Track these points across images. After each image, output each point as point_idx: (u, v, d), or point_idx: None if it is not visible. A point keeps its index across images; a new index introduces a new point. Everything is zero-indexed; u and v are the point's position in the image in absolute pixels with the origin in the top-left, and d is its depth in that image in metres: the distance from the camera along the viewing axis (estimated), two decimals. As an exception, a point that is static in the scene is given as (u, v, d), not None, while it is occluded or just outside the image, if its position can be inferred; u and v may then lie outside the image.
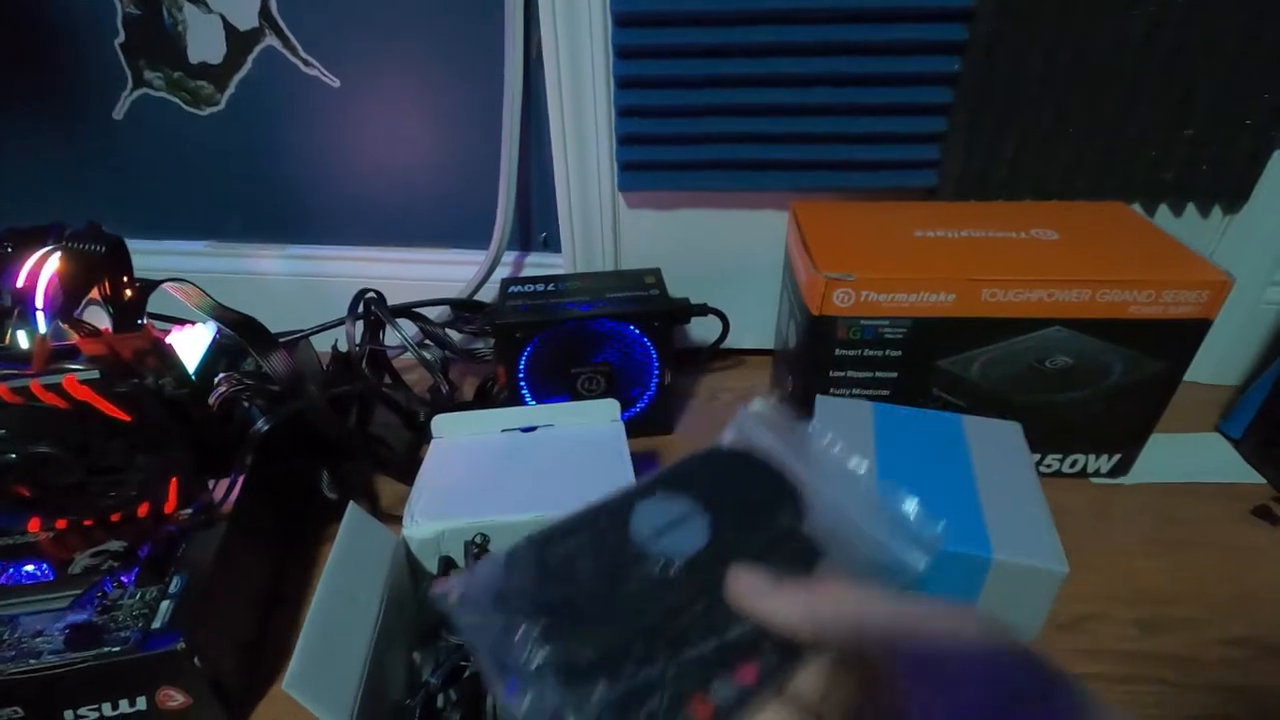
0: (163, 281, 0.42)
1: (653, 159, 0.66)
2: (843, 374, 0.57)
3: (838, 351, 0.56)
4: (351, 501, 0.38)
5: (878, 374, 0.57)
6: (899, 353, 0.56)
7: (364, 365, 0.62)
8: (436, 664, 0.35)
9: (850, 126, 0.63)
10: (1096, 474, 0.61)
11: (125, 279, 0.39)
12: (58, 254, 0.44)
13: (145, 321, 0.41)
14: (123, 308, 0.39)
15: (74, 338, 0.39)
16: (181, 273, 0.51)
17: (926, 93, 0.61)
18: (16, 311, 0.43)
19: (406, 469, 0.60)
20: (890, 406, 0.52)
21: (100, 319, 0.45)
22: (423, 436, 0.66)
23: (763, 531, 0.25)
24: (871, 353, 0.56)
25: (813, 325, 0.55)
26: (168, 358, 0.41)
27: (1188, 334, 0.52)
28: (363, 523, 0.38)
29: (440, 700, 0.34)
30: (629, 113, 0.64)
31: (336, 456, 0.57)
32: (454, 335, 0.69)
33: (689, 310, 0.64)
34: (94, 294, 0.43)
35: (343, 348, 0.63)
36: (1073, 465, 0.61)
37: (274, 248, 0.78)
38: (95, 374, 0.38)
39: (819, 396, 0.53)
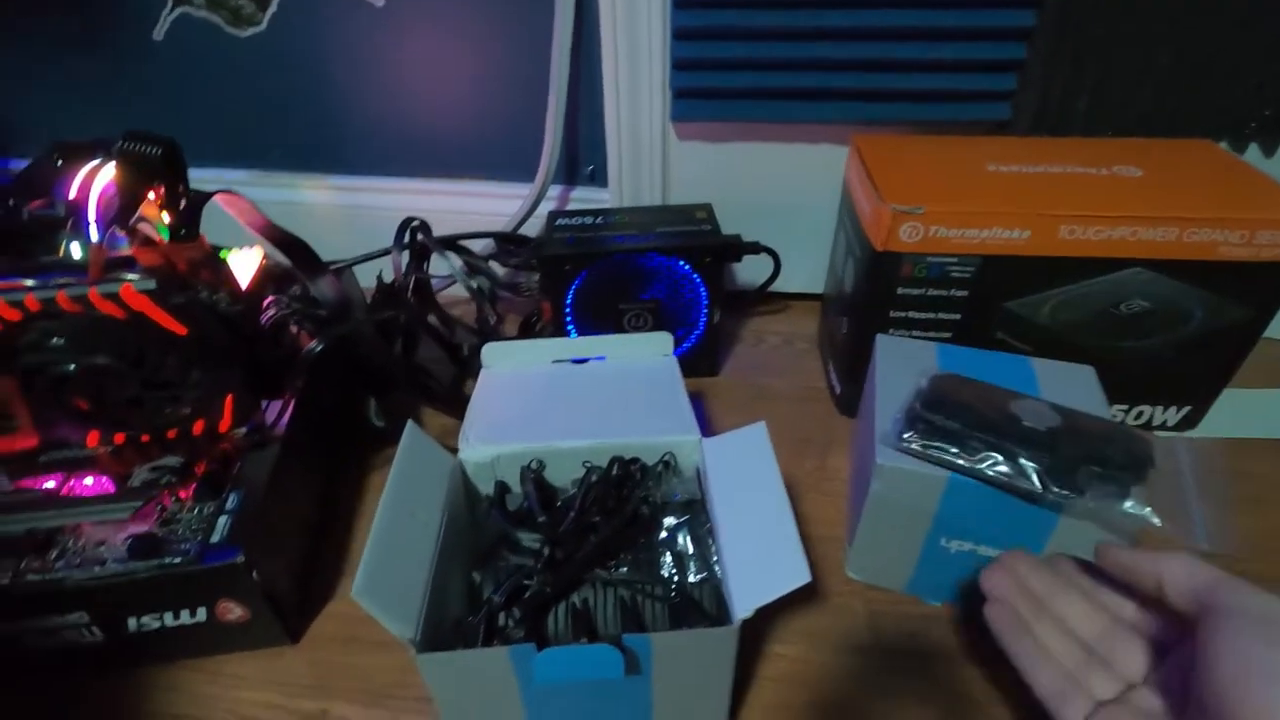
0: (215, 193, 0.41)
1: (708, 86, 0.62)
2: (903, 315, 0.55)
3: (900, 291, 0.54)
4: (410, 421, 0.37)
5: (940, 315, 0.55)
6: (965, 293, 0.53)
7: (409, 296, 0.61)
8: (497, 584, 0.35)
9: (919, 52, 0.59)
10: (1163, 427, 0.59)
11: (180, 186, 0.37)
12: (110, 165, 0.43)
13: (201, 233, 0.40)
14: (177, 216, 0.38)
15: (130, 248, 0.39)
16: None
17: (1005, 15, 0.57)
18: (70, 223, 0.42)
19: (452, 402, 0.59)
20: (955, 347, 0.50)
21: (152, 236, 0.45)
22: (467, 371, 0.66)
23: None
24: (936, 292, 0.53)
25: (875, 262, 0.53)
26: (222, 272, 0.40)
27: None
28: (421, 442, 0.37)
29: (502, 618, 0.34)
30: (685, 35, 0.61)
31: (383, 386, 0.57)
32: (497, 269, 0.68)
33: (741, 247, 0.62)
34: (145, 207, 0.42)
35: (387, 279, 0.62)
36: (1138, 417, 0.59)
37: (315, 178, 0.77)
38: (152, 284, 0.38)
39: (880, 336, 0.51)
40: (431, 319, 0.65)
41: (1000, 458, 0.39)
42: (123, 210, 0.36)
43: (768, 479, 0.36)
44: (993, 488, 0.39)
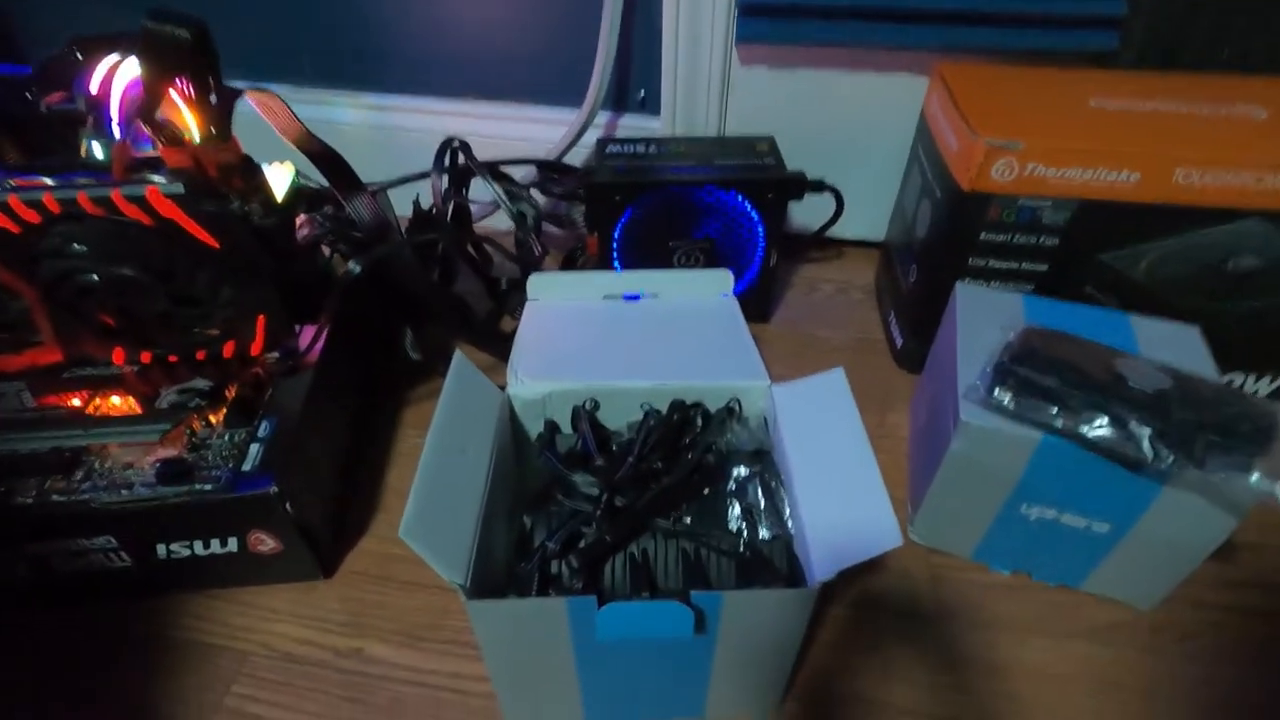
0: (243, 91, 0.37)
1: (780, 4, 0.57)
2: (983, 263, 0.50)
3: (983, 236, 0.49)
4: (459, 350, 0.34)
5: (1025, 265, 0.50)
6: (1055, 241, 0.48)
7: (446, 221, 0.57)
8: (549, 530, 0.32)
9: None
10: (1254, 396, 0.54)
11: (211, 78, 0.34)
12: (133, 61, 0.40)
13: (234, 134, 0.36)
14: (207, 113, 0.34)
15: (156, 147, 0.35)
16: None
17: (1125, -71, 0.50)
18: (91, 120, 0.39)
19: (490, 337, 0.56)
20: (1043, 299, 0.46)
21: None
22: (504, 307, 0.62)
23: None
24: (1023, 239, 0.49)
25: (959, 203, 0.48)
26: (256, 179, 0.37)
27: None
28: (469, 374, 0.34)
29: (555, 566, 0.31)
30: (759, -57, 0.55)
31: (420, 316, 0.54)
32: (539, 199, 0.64)
33: (805, 184, 0.57)
34: (169, 107, 0.39)
35: (424, 204, 0.59)
36: (1227, 385, 0.54)
37: (348, 95, 0.72)
38: (180, 188, 0.34)
39: (959, 285, 0.47)
40: (469, 250, 0.61)
41: (1105, 420, 0.35)
42: (146, 101, 0.32)
43: (849, 430, 0.33)
44: (1092, 452, 0.36)
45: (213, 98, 0.34)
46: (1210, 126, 0.47)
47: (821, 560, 0.29)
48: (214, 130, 0.35)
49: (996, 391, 0.37)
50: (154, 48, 0.31)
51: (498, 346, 0.56)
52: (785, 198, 0.56)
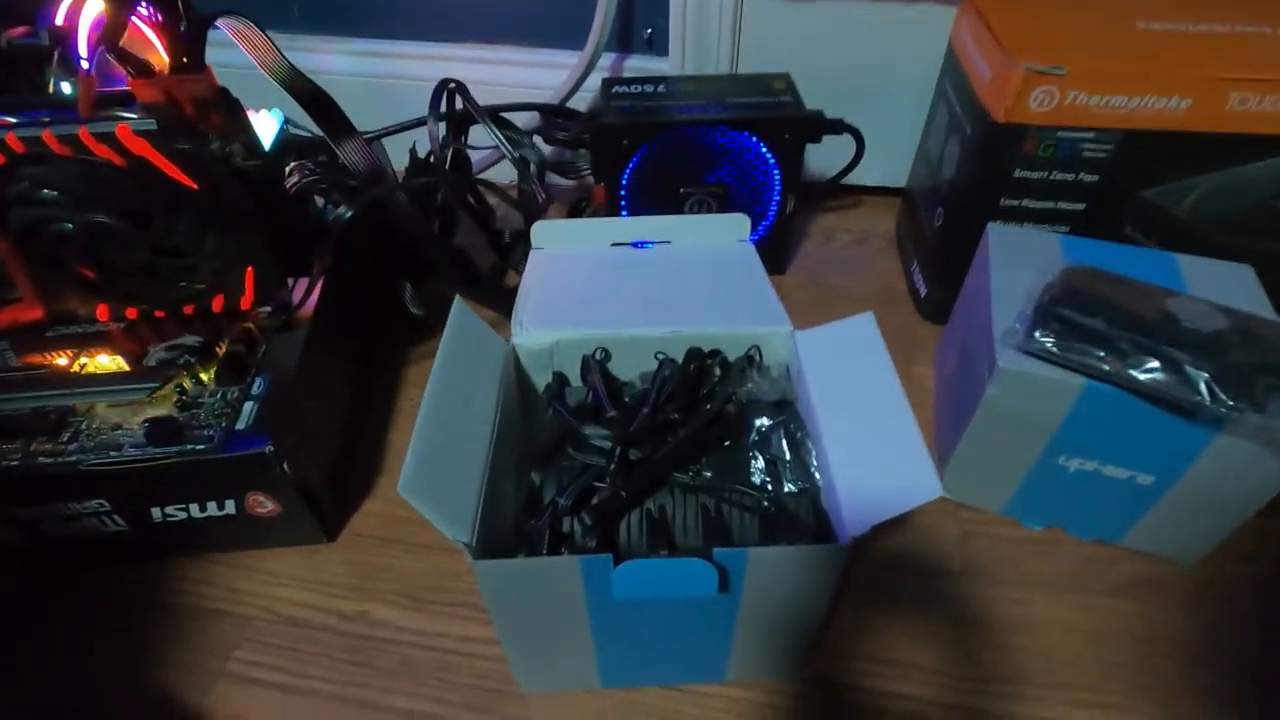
0: (216, 16, 0.34)
1: (797, -75, 0.53)
2: (1016, 203, 0.47)
3: (1018, 173, 0.46)
4: (458, 297, 0.32)
5: (1061, 204, 0.47)
6: (1095, 177, 0.45)
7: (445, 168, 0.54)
8: (559, 486, 0.30)
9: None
10: (1298, 343, 0.51)
11: (180, 3, 0.31)
12: (99, -10, 0.37)
13: (208, 65, 0.33)
14: (177, 40, 0.31)
15: (126, 81, 0.32)
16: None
17: None
18: (56, 55, 0.36)
19: (493, 291, 0.54)
20: (1082, 239, 0.43)
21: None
22: (508, 260, 0.60)
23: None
24: (1061, 176, 0.45)
25: (992, 137, 0.45)
26: (236, 116, 0.34)
27: None
28: (470, 322, 0.32)
29: (567, 524, 0.29)
30: None
31: (420, 268, 0.51)
32: (542, 147, 0.61)
33: (824, 124, 0.54)
34: (139, 41, 0.36)
35: (421, 152, 0.55)
36: (1270, 332, 0.51)
37: (338, 41, 0.69)
38: (152, 124, 0.32)
39: (992, 225, 0.44)
40: (470, 200, 0.58)
41: (1157, 363, 0.32)
42: (110, 26, 0.30)
43: (881, 377, 0.30)
44: (1140, 398, 0.33)
45: (182, 25, 0.31)
46: (1269, 48, 0.43)
47: (854, 514, 0.27)
48: (185, 60, 0.32)
49: (1037, 334, 0.35)
50: (113, -37, 0.28)
51: (502, 301, 0.53)
52: (803, 139, 0.53)
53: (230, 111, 0.34)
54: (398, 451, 0.47)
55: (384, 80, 0.69)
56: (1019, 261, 0.41)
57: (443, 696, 0.36)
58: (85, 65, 0.34)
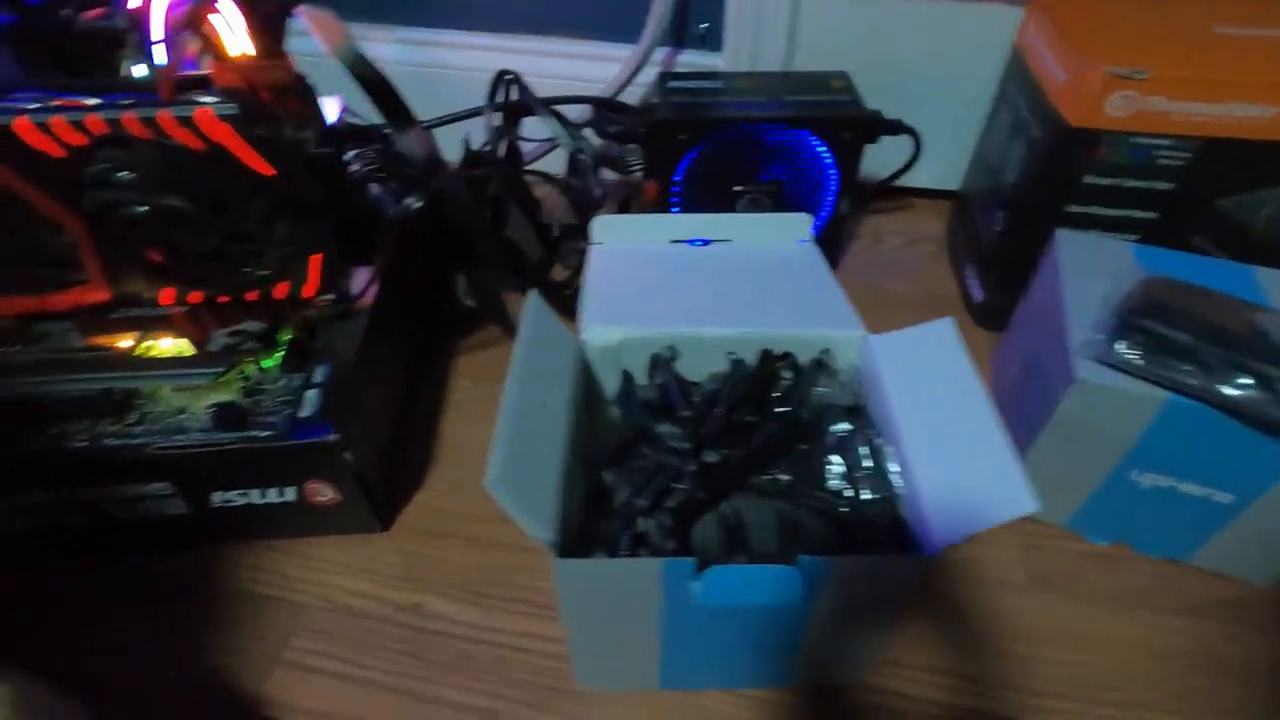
0: (298, 2, 0.34)
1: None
2: (1084, 210, 0.46)
3: (1087, 179, 0.45)
4: (532, 290, 0.31)
5: (1131, 213, 0.46)
6: (1170, 185, 0.44)
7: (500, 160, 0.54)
8: (632, 486, 0.30)
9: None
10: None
11: (264, -14, 0.31)
12: (175, -27, 0.36)
13: (287, 52, 0.33)
14: (259, 26, 0.31)
15: (203, 68, 0.32)
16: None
17: None
18: (131, 40, 0.36)
19: (542, 285, 0.54)
20: (1156, 249, 0.42)
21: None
22: (555, 254, 0.59)
23: None
24: (1133, 183, 0.44)
25: (1064, 141, 0.44)
26: (311, 103, 0.34)
27: None
28: (545, 317, 0.32)
29: (641, 524, 0.29)
30: None
31: (472, 260, 0.51)
32: (593, 141, 0.60)
33: (885, 125, 0.53)
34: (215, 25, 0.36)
35: (474, 145, 0.55)
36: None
37: (386, 29, 0.68)
38: (233, 109, 0.32)
39: (1061, 232, 0.43)
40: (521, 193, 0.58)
41: (1248, 378, 0.31)
42: (195, 11, 0.29)
43: (965, 385, 0.30)
44: (1227, 415, 0.32)
45: (264, 9, 0.31)
46: (1357, 56, 0.42)
47: (942, 525, 0.26)
48: (266, 47, 0.32)
49: (1119, 346, 0.34)
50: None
51: (551, 295, 0.53)
52: (862, 139, 0.52)
53: (306, 98, 0.34)
54: (447, 443, 0.47)
55: (431, 69, 0.68)
56: (1091, 270, 0.40)
57: (498, 691, 0.36)
58: (161, 53, 0.34)
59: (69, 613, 0.39)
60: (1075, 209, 0.46)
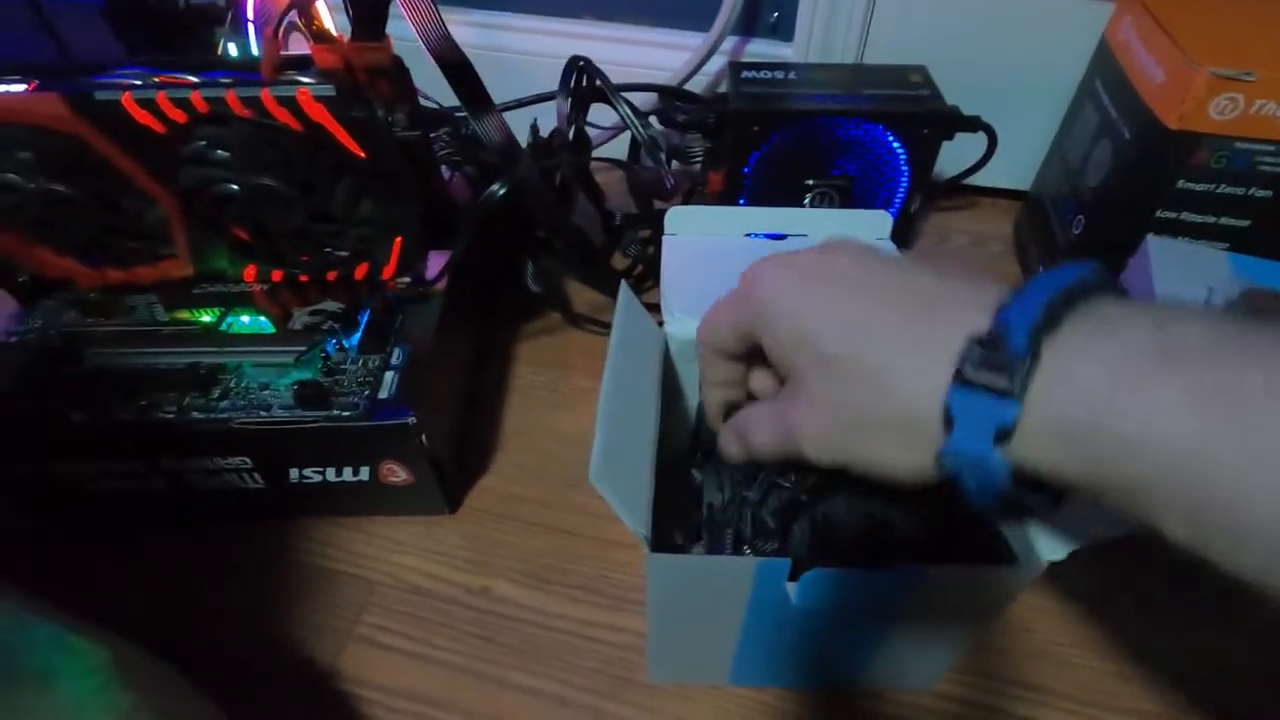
0: (397, -17, 0.34)
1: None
2: (1174, 216, 0.45)
3: (1181, 184, 0.43)
4: (624, 281, 0.31)
5: (1225, 220, 0.44)
6: (1269, 193, 0.42)
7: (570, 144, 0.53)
8: (719, 483, 0.30)
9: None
10: None
11: (369, -32, 0.31)
12: (269, -48, 0.37)
13: (387, 34, 0.33)
14: (361, 9, 0.31)
15: (307, 44, 0.32)
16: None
17: None
18: (230, 20, 0.36)
19: (604, 274, 0.53)
20: (1251, 259, 0.41)
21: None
22: (618, 243, 0.59)
23: None
24: (1230, 189, 0.43)
25: (1159, 145, 0.42)
26: (406, 85, 0.34)
27: None
28: (636, 309, 0.31)
29: (744, 520, 0.28)
30: None
31: (541, 248, 0.51)
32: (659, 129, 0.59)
33: (963, 122, 0.51)
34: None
35: (543, 131, 0.55)
36: None
37: (456, 11, 0.68)
38: (331, 90, 0.32)
39: (1152, 238, 0.42)
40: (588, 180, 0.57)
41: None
42: (303, -10, 0.30)
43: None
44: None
45: (368, -9, 0.31)
46: None
47: (1050, 537, 0.25)
48: (368, 28, 0.32)
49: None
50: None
51: (610, 284, 0.53)
52: (941, 136, 0.51)
53: (401, 80, 0.34)
54: (511, 429, 0.48)
55: (499, 53, 0.68)
56: (1183, 278, 0.39)
57: (567, 679, 0.36)
58: (255, 32, 0.34)
59: (147, 578, 0.40)
60: (1165, 214, 0.45)
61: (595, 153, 0.62)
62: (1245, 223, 0.44)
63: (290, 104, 0.32)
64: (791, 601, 0.26)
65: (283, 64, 0.33)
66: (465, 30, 0.68)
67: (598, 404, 0.27)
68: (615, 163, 0.56)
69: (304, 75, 0.33)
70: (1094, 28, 0.52)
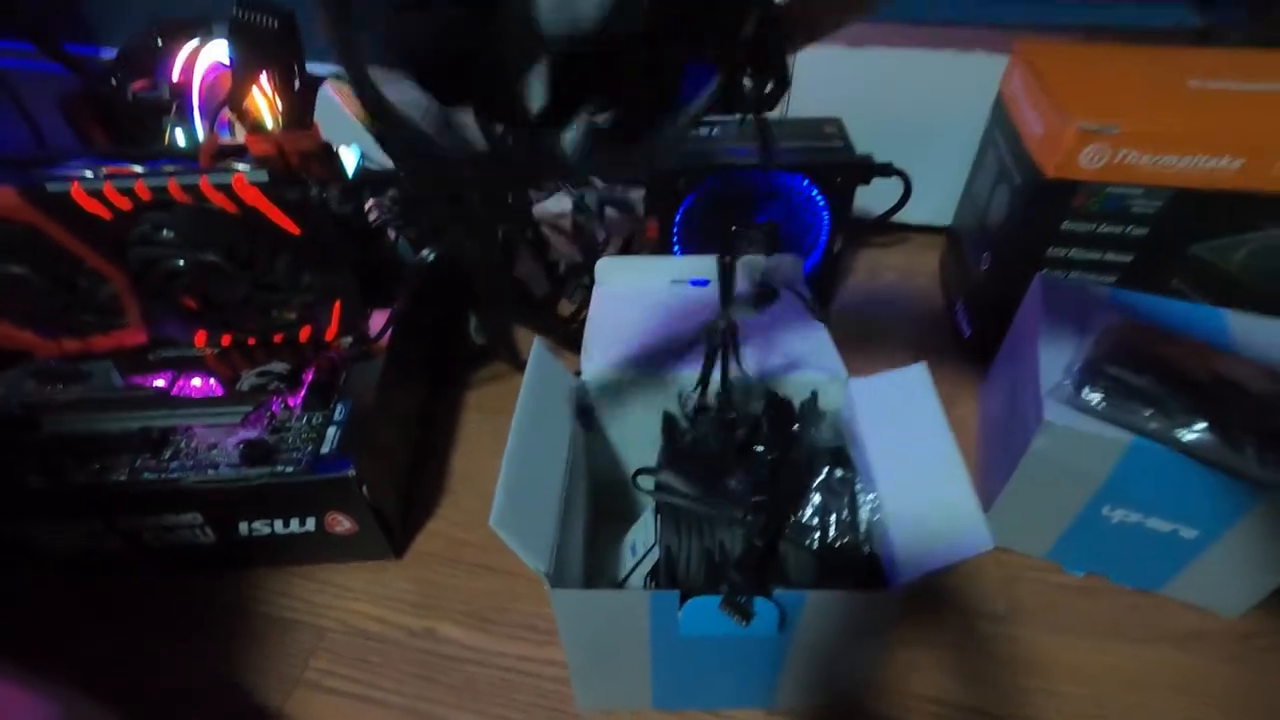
0: (325, 79, 0.37)
1: (853, -21, 0.55)
2: (1064, 253, 0.48)
3: (1065, 225, 0.47)
4: (536, 339, 0.34)
5: (1109, 256, 0.48)
6: (1144, 231, 0.46)
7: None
8: (679, 529, 0.32)
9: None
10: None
11: (296, 66, 0.34)
12: (212, 45, 0.40)
13: (315, 121, 0.36)
14: (291, 101, 0.34)
15: (240, 134, 0.35)
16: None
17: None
18: (174, 107, 0.39)
19: (549, 321, 0.56)
20: (1132, 293, 0.44)
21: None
22: (562, 290, 0.62)
23: None
24: (1109, 229, 0.47)
25: (1041, 191, 0.46)
26: (334, 166, 0.37)
27: None
28: (547, 362, 0.34)
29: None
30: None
31: (483, 301, 0.54)
32: (598, 184, 0.63)
33: (874, 169, 0.55)
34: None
35: (485, 186, 0.58)
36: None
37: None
38: (264, 176, 0.35)
39: (1040, 275, 0.45)
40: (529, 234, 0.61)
41: (1204, 425, 0.33)
42: (235, 90, 0.33)
43: (933, 428, 0.32)
44: (1187, 457, 0.34)
45: (297, 85, 0.34)
46: (1322, 109, 0.44)
47: (906, 562, 0.28)
48: (296, 118, 0.35)
49: (1085, 391, 0.36)
50: (244, 38, 0.31)
51: (557, 330, 0.56)
52: (854, 183, 0.55)
53: (330, 162, 0.37)
54: (460, 474, 0.50)
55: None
56: (1068, 313, 0.42)
57: (505, 714, 0.38)
58: (199, 122, 0.38)
59: (105, 629, 0.42)
60: (1055, 252, 0.49)
61: (549, 200, 0.65)
62: (1128, 258, 0.48)
63: (227, 190, 0.35)
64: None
65: (221, 152, 0.36)
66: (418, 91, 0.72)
67: (504, 455, 0.29)
68: (536, 230, 0.59)
69: (240, 162, 0.36)
70: (995, 80, 0.56)
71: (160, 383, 0.43)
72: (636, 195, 0.60)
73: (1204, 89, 0.46)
